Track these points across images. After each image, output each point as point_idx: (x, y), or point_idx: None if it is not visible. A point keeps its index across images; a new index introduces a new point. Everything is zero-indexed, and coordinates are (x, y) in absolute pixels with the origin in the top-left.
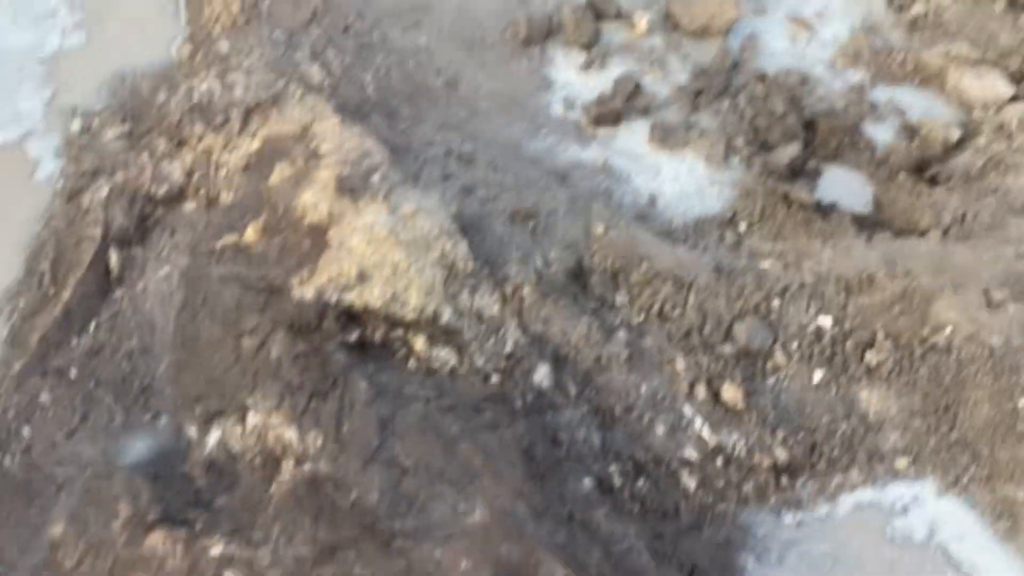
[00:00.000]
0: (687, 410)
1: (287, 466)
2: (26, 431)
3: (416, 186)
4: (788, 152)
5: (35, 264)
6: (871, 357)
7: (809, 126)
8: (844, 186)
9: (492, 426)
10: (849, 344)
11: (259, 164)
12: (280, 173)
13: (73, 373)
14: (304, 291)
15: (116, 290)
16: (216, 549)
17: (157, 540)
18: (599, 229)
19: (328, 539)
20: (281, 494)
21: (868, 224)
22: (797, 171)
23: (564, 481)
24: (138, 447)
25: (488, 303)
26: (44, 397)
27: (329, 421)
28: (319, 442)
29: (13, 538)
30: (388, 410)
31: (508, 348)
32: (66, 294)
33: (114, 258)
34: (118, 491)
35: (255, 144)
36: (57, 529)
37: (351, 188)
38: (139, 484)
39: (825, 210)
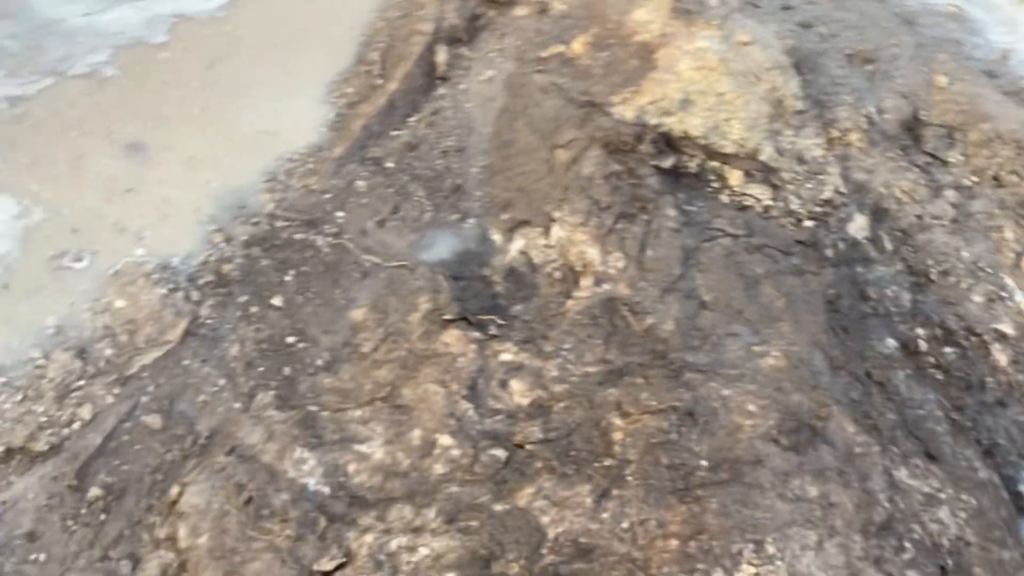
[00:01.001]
0: (1009, 282)
1: (585, 284)
2: (340, 215)
3: (754, 15)
4: None
5: (366, 53)
6: None
7: None
8: None
9: (799, 271)
10: None
11: None
12: None
13: (390, 164)
14: (624, 110)
15: (440, 87)
16: (506, 355)
17: (452, 338)
18: (942, 81)
19: (617, 362)
20: (576, 311)
21: None
22: None
23: (866, 337)
24: (443, 245)
25: (812, 145)
26: (360, 184)
27: (633, 244)
28: (620, 264)
29: (317, 316)
30: (694, 241)
31: (826, 194)
32: (392, 86)
33: (442, 55)
34: (420, 285)
35: None
36: (359, 313)
37: (687, 10)
38: (441, 281)
39: None
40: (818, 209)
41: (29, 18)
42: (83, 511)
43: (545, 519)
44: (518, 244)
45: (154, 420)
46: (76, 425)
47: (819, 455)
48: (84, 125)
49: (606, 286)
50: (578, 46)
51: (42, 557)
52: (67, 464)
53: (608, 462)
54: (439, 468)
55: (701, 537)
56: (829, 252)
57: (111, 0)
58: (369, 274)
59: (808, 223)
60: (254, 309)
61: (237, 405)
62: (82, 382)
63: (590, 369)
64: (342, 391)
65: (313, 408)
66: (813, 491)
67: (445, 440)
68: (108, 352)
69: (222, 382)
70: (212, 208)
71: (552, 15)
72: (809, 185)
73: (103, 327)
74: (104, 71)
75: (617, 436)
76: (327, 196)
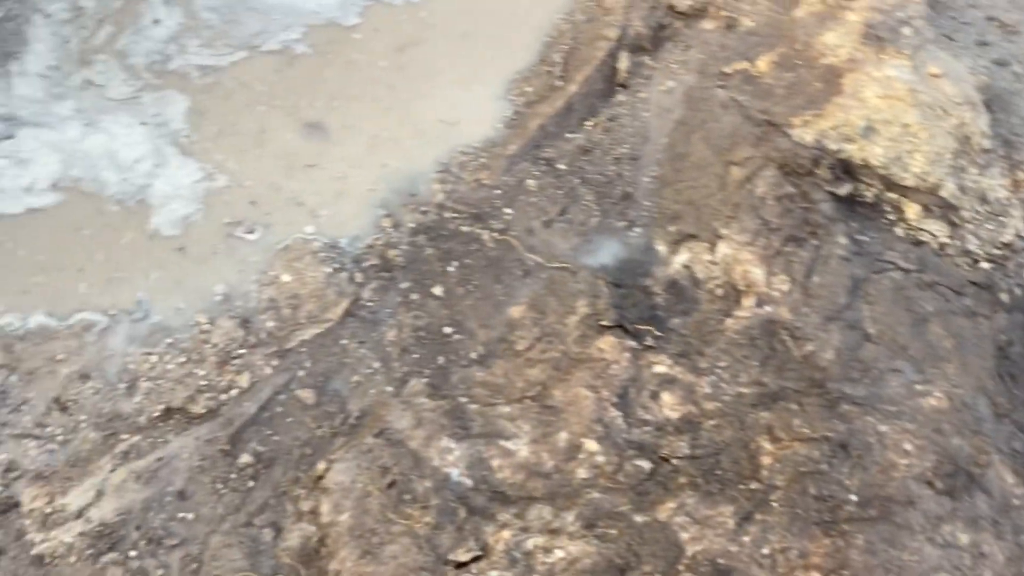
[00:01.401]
0: None
1: (747, 303)
2: (508, 211)
3: (948, 47)
4: None
5: (549, 53)
6: None
7: None
8: None
9: (970, 313)
10: None
11: None
12: (807, 7)
13: (562, 166)
14: (804, 133)
15: (619, 94)
16: (660, 367)
17: (607, 344)
18: None
19: (772, 385)
20: (735, 330)
21: None
22: None
23: None
24: (607, 251)
25: (996, 185)
26: (531, 183)
27: (800, 269)
28: (785, 287)
29: (476, 309)
30: (863, 272)
31: (1007, 237)
32: (572, 88)
33: (624, 62)
34: (580, 288)
35: None
36: (517, 310)
37: (878, 37)
38: (601, 287)
39: None
40: (996, 251)
41: None
42: (233, 476)
43: (684, 535)
44: (682, 257)
45: (308, 395)
46: (234, 392)
47: (974, 503)
48: (272, 99)
49: (768, 308)
50: (763, 64)
51: (190, 516)
52: (222, 429)
53: (754, 485)
54: (582, 472)
55: (843, 572)
56: (1004, 297)
57: None
58: (531, 273)
59: (984, 265)
60: (415, 296)
61: (389, 389)
62: (243, 351)
63: (744, 390)
64: (493, 386)
65: (463, 399)
66: (964, 539)
67: (591, 445)
68: (270, 324)
69: (377, 365)
70: (384, 192)
71: (739, 31)
72: (989, 226)
73: (268, 299)
74: (295, 48)
75: (765, 460)
76: (497, 192)
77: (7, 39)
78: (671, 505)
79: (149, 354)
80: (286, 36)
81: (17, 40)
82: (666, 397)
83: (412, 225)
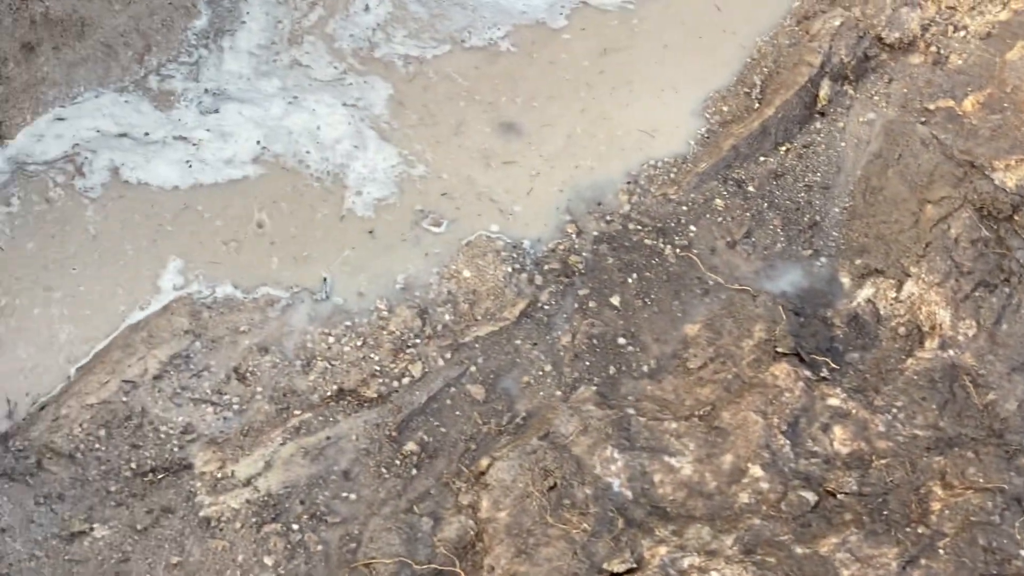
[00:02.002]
0: None
1: (930, 345)
2: (692, 229)
3: None
4: None
5: (749, 75)
6: None
7: None
8: None
9: None
10: None
11: (1002, 36)
12: (1021, 50)
13: (751, 188)
14: (1006, 177)
15: (816, 122)
16: (834, 400)
17: (781, 371)
18: None
19: (949, 431)
20: (915, 370)
21: None
22: None
23: None
24: (789, 278)
25: None
26: (718, 202)
27: (989, 315)
28: (971, 332)
29: (651, 323)
30: None
31: None
32: (769, 111)
33: (825, 90)
34: (759, 313)
35: (1003, 14)
36: (693, 328)
37: None
38: (780, 313)
39: None
40: None
41: None
42: (397, 462)
43: (845, 572)
44: (866, 292)
45: (478, 391)
46: (406, 380)
47: None
48: (472, 94)
49: (951, 352)
50: (969, 104)
51: (352, 497)
52: (391, 415)
53: (921, 530)
54: (744, 497)
55: None
56: None
57: None
58: (710, 292)
59: None
60: (592, 304)
61: (558, 393)
62: (418, 340)
63: (919, 432)
64: (662, 401)
65: (631, 411)
66: None
67: (756, 471)
68: (447, 317)
69: (548, 368)
70: (570, 197)
71: (947, 68)
72: None
73: (447, 293)
74: (500, 45)
75: (935, 506)
76: (683, 208)
77: (223, 16)
78: (834, 540)
79: (327, 334)
80: (491, 33)
81: (232, 18)
82: (838, 431)
83: (595, 233)
